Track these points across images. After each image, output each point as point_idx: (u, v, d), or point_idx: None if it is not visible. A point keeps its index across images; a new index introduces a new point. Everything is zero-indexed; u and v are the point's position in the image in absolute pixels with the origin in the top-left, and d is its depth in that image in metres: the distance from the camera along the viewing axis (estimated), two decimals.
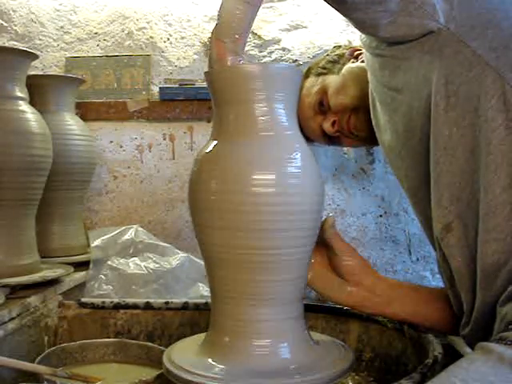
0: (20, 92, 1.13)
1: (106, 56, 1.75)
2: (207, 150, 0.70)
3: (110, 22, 1.77)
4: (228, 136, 0.69)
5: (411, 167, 0.85)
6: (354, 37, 1.75)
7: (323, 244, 0.81)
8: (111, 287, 1.27)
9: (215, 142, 0.70)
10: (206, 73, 0.72)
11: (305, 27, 1.77)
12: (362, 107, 1.05)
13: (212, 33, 0.75)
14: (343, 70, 1.13)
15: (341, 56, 1.18)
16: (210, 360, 0.68)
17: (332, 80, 1.13)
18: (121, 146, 1.74)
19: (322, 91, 1.14)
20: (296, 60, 1.76)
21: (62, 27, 1.77)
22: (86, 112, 1.67)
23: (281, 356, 0.67)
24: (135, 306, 1.06)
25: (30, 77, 1.20)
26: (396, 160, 0.90)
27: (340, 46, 1.25)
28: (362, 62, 1.08)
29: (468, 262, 0.75)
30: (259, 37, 1.76)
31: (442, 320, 0.85)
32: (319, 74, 1.18)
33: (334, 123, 1.13)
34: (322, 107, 1.14)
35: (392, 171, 0.97)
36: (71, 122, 1.44)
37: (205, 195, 0.68)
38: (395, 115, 0.84)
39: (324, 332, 0.93)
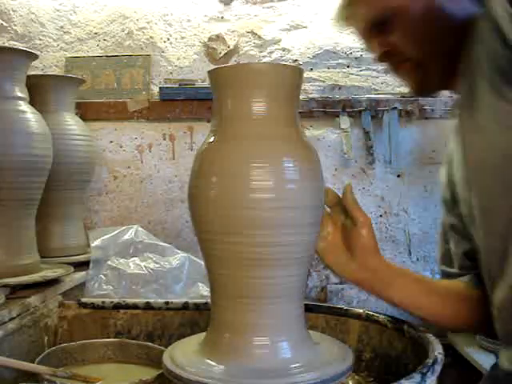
0: (20, 92, 1.13)
1: (106, 56, 1.75)
2: (207, 147, 0.70)
3: (109, 22, 1.77)
4: (228, 132, 0.69)
5: (508, 188, 0.74)
6: (354, 37, 1.75)
7: (339, 213, 0.81)
8: (111, 287, 1.27)
9: (216, 139, 0.70)
10: (209, 71, 0.72)
11: (305, 27, 1.77)
12: (431, 66, 0.82)
13: None
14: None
15: None
16: (209, 360, 0.68)
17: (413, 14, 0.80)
18: (121, 146, 1.74)
19: (393, 10, 0.81)
20: (296, 60, 1.76)
21: (62, 27, 1.77)
22: (86, 112, 1.67)
23: (281, 355, 0.67)
24: (135, 306, 1.05)
25: (29, 77, 1.20)
26: (485, 176, 0.78)
27: None
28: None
29: None
30: (259, 37, 1.76)
31: (441, 314, 0.86)
32: None
33: (383, 52, 0.85)
34: (380, 27, 0.83)
35: (464, 183, 0.85)
36: (71, 122, 1.44)
37: (204, 192, 0.68)
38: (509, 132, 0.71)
39: (324, 332, 0.93)
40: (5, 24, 1.77)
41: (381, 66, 1.73)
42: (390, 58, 0.85)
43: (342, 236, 0.83)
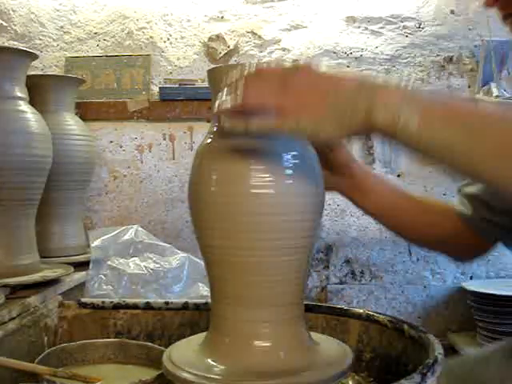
0: (20, 92, 1.13)
1: (106, 56, 1.75)
2: (207, 147, 0.70)
3: (109, 22, 1.77)
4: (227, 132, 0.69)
5: None
6: (354, 37, 1.76)
7: None
8: (111, 287, 1.27)
9: (215, 138, 0.70)
10: (208, 70, 0.72)
11: (305, 27, 1.77)
12: None
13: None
14: None
15: None
16: (210, 360, 0.68)
17: None
18: (121, 146, 1.74)
19: None
20: (296, 60, 1.75)
21: (61, 27, 1.77)
22: (86, 112, 1.67)
23: (281, 356, 0.67)
24: (135, 306, 1.05)
25: (29, 77, 1.20)
26: None
27: None
28: None
29: None
30: (259, 37, 1.76)
31: (411, 224, 0.89)
32: None
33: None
34: None
35: None
36: (71, 122, 1.44)
37: (204, 192, 0.68)
38: None
39: (324, 332, 0.93)
40: (5, 24, 1.77)
41: (381, 66, 1.73)
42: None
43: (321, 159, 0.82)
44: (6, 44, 1.72)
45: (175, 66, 1.76)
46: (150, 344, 0.94)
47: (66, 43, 1.77)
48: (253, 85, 0.57)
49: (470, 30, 1.75)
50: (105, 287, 1.27)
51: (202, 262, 0.76)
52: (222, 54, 1.75)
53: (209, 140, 0.71)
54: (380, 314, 0.92)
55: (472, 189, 0.88)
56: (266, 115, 0.57)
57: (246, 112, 0.58)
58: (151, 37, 1.77)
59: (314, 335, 0.75)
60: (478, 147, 0.50)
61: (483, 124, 0.51)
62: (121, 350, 0.94)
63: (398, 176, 1.71)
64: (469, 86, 1.74)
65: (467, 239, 0.88)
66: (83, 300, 1.08)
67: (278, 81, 0.56)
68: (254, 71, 0.58)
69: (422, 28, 1.75)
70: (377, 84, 0.54)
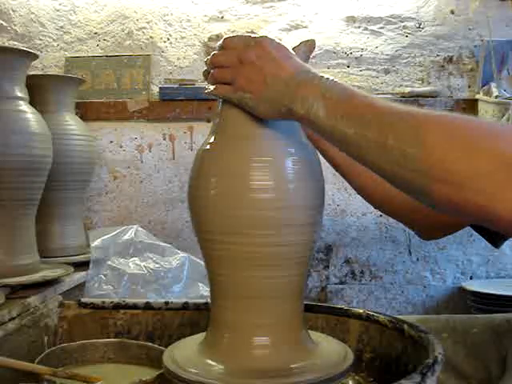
0: (20, 92, 1.13)
1: (106, 56, 1.75)
2: (207, 147, 0.70)
3: (109, 22, 1.77)
4: (228, 132, 0.69)
5: None
6: (354, 37, 1.76)
7: None
8: (111, 287, 1.27)
9: (216, 139, 0.70)
10: (204, 71, 0.72)
11: (305, 27, 1.77)
12: None
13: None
14: None
15: None
16: (209, 360, 0.68)
17: None
18: (121, 146, 1.74)
19: None
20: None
21: (61, 27, 1.77)
22: (85, 112, 1.67)
23: (281, 356, 0.67)
24: (135, 306, 1.05)
25: (29, 77, 1.20)
26: None
27: None
28: None
29: None
30: None
31: (380, 194, 0.87)
32: None
33: None
34: None
35: None
36: (71, 122, 1.44)
37: (204, 192, 0.68)
38: None
39: (324, 332, 0.93)
40: (5, 24, 1.77)
41: (381, 66, 1.73)
42: None
43: None
44: (6, 44, 1.72)
45: (175, 66, 1.76)
46: (149, 344, 0.94)
47: (65, 43, 1.77)
48: (218, 58, 0.69)
49: (469, 30, 1.75)
50: (105, 287, 1.27)
51: (202, 262, 0.76)
52: None
53: (210, 139, 0.71)
54: (380, 313, 0.92)
55: None
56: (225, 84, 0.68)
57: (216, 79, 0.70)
58: (151, 37, 1.77)
59: (314, 335, 0.75)
60: (364, 138, 0.57)
61: (373, 118, 0.57)
62: (121, 349, 0.94)
63: None
64: (469, 86, 1.74)
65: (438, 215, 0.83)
66: (83, 300, 1.08)
67: (236, 55, 0.66)
68: (221, 44, 0.68)
69: (422, 28, 1.75)
70: (303, 79, 0.63)
